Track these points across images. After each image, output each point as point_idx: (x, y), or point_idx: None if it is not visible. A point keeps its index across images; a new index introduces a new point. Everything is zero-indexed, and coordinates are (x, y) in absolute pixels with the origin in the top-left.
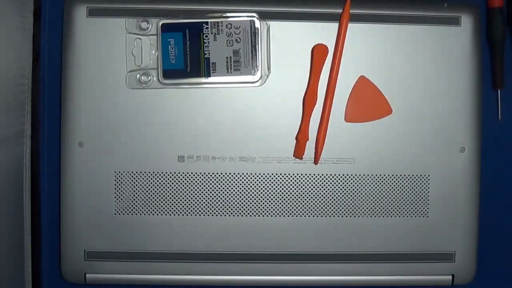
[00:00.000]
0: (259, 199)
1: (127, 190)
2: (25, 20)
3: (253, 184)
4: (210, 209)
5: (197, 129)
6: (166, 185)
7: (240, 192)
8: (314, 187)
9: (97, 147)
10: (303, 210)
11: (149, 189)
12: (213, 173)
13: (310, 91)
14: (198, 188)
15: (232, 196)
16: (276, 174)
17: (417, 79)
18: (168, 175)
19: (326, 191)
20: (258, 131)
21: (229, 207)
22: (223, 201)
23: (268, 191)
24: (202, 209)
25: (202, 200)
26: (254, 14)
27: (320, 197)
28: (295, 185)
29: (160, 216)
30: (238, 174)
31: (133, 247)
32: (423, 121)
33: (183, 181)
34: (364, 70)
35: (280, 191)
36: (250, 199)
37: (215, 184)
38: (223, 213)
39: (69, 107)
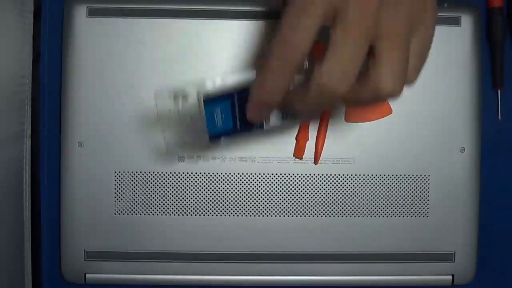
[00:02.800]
0: (259, 199)
1: (127, 190)
2: (25, 20)
3: (253, 184)
4: (210, 209)
5: (197, 129)
6: (166, 185)
7: (240, 192)
8: (314, 187)
9: (97, 147)
10: (303, 210)
11: (149, 189)
12: (213, 173)
13: None
14: (198, 188)
15: (232, 196)
16: (276, 174)
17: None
18: (168, 175)
19: (326, 191)
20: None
21: (229, 207)
22: (223, 201)
23: (268, 191)
24: (202, 209)
25: (202, 200)
26: None
27: (320, 197)
28: (295, 185)
29: (160, 216)
30: (238, 174)
31: (133, 247)
32: (423, 121)
33: (183, 181)
34: None
35: (280, 191)
36: (250, 199)
37: (215, 184)
38: (223, 213)
39: (69, 107)
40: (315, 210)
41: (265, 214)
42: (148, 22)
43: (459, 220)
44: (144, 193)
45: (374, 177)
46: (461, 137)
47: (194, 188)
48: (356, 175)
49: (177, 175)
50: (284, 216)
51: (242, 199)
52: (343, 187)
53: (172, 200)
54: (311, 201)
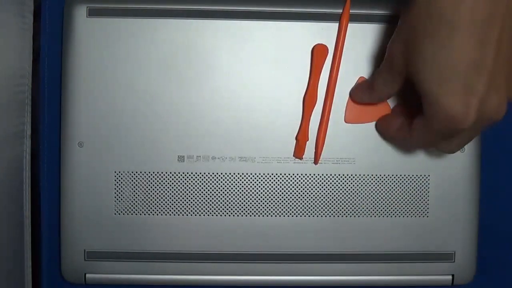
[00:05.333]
0: (259, 199)
1: (127, 190)
2: (25, 20)
3: (253, 184)
4: (210, 209)
5: (197, 129)
6: (166, 185)
7: (240, 192)
8: (314, 187)
9: (97, 147)
10: (303, 210)
11: (149, 189)
12: (213, 173)
13: (310, 91)
14: (198, 188)
15: (232, 196)
16: (276, 174)
17: None
18: (168, 175)
19: (326, 191)
20: (258, 131)
21: (229, 207)
22: (223, 201)
23: (268, 191)
24: (202, 209)
25: (202, 200)
26: None
27: (320, 197)
28: (295, 185)
29: (160, 216)
30: (238, 174)
31: (133, 247)
32: None
33: (183, 181)
34: (364, 70)
35: (280, 191)
36: (250, 199)
37: (215, 184)
38: (223, 213)
39: (69, 107)
40: (315, 210)
41: (265, 214)
42: (148, 22)
43: (459, 220)
44: (144, 193)
45: (374, 177)
46: None
47: (194, 188)
48: (356, 175)
49: (177, 175)
50: (284, 216)
51: (242, 199)
52: (343, 187)
53: (172, 200)
54: (311, 201)
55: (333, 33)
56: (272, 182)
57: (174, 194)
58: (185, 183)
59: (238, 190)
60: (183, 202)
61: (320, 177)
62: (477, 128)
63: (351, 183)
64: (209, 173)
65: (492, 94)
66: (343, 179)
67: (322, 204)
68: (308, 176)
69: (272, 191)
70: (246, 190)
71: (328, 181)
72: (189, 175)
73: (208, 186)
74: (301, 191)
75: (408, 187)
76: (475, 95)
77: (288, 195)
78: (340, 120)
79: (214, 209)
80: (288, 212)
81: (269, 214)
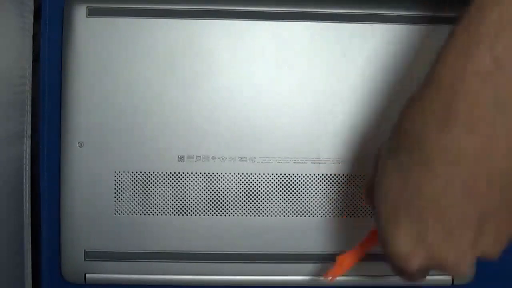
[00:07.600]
0: (259, 199)
1: (127, 190)
2: (25, 20)
3: (253, 184)
4: (210, 209)
5: (197, 129)
6: (166, 185)
7: (240, 192)
8: (314, 187)
9: (97, 147)
10: (303, 210)
11: (149, 189)
12: (213, 173)
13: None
14: (198, 188)
15: (232, 196)
16: (276, 174)
17: (417, 79)
18: (168, 175)
19: (326, 191)
20: (258, 131)
21: (229, 207)
22: (223, 201)
23: (268, 191)
24: (202, 209)
25: (202, 200)
26: None
27: (320, 197)
28: (295, 185)
29: (160, 216)
30: (238, 174)
31: (133, 247)
32: None
33: (183, 181)
34: (364, 70)
35: (280, 191)
36: (250, 199)
37: (215, 184)
38: (223, 213)
39: (69, 107)
40: (315, 210)
41: (265, 214)
42: (148, 22)
43: None
44: (144, 193)
45: None
46: None
47: (194, 188)
48: (355, 175)
49: (177, 175)
50: (284, 216)
51: (242, 199)
52: (342, 187)
53: (172, 200)
54: (311, 201)
55: (333, 33)
56: (272, 182)
57: (174, 194)
58: (185, 183)
59: (238, 190)
60: (183, 202)
61: (320, 177)
62: (426, 271)
63: (351, 183)
64: (209, 173)
65: (448, 248)
66: (343, 179)
67: (322, 204)
68: (308, 176)
69: (272, 191)
70: (246, 190)
71: (328, 181)
72: (189, 175)
73: (208, 186)
74: (301, 191)
75: None
76: (424, 242)
77: (288, 195)
78: (340, 120)
79: (214, 209)
80: (288, 212)
81: (269, 214)
